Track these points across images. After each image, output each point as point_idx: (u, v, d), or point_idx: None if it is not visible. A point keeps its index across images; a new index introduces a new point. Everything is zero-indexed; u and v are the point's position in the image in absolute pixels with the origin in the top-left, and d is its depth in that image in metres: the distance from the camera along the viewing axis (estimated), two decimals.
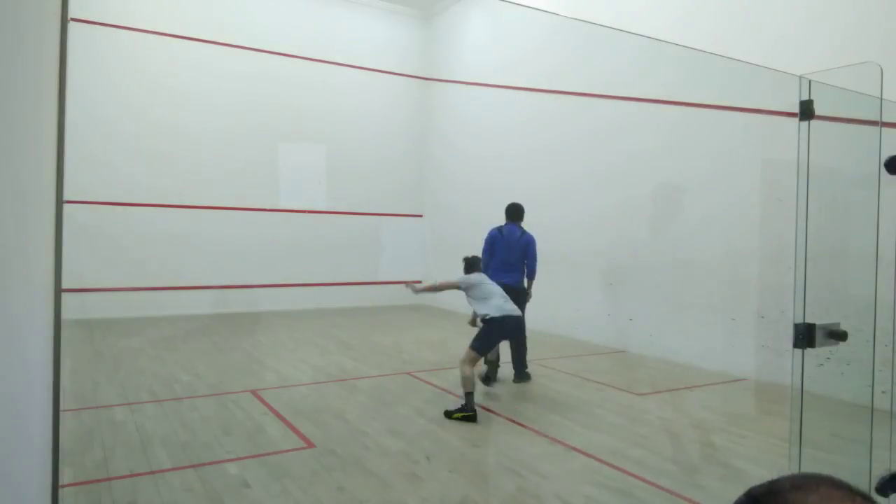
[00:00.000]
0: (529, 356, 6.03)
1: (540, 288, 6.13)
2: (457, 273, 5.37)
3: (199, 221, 10.14)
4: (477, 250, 5.87)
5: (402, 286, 5.52)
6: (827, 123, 2.57)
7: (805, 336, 2.27)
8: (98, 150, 9.28)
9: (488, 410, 5.11)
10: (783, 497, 0.62)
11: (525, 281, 6.00)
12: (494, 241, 5.97)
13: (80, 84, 8.85)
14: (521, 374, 6.01)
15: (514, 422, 4.81)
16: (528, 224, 6.12)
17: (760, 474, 2.11)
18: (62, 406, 1.76)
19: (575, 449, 4.20)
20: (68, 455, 3.76)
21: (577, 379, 6.30)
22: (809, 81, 2.44)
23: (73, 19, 1.66)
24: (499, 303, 5.02)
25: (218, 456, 3.93)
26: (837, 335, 2.32)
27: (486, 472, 3.89)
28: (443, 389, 5.60)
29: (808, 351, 2.32)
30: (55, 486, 1.71)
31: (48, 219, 1.64)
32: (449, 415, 4.78)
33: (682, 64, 6.84)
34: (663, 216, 6.86)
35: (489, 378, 5.77)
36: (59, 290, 1.72)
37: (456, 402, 5.01)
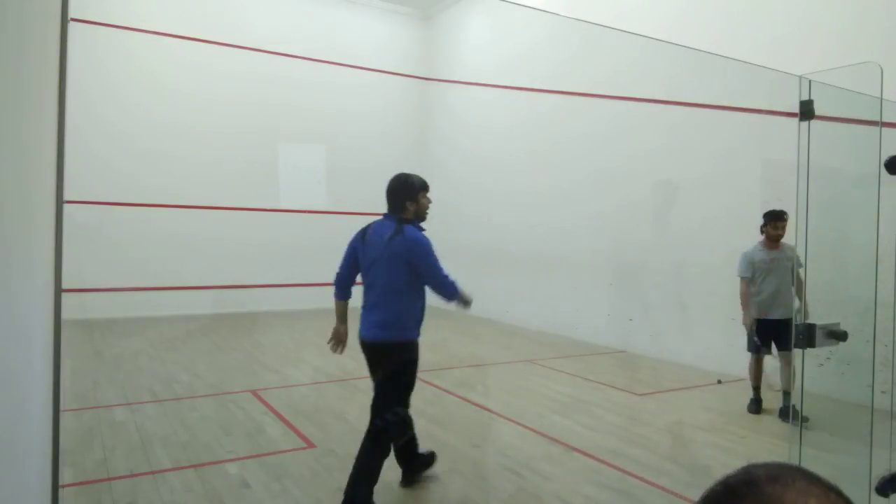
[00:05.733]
0: (530, 356, 5.87)
1: (540, 288, 6.07)
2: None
3: (199, 221, 10.13)
4: (478, 251, 5.74)
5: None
6: (827, 123, 2.57)
7: (805, 336, 2.27)
8: (98, 149, 9.27)
9: (487, 410, 5.11)
10: (760, 489, 0.61)
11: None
12: (356, 250, 3.63)
13: (81, 84, 8.84)
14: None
15: (514, 422, 4.81)
16: (527, 223, 5.94)
17: None
18: (62, 406, 1.76)
19: (575, 449, 4.20)
20: (68, 455, 3.76)
21: (577, 379, 6.30)
22: (809, 81, 2.44)
23: (73, 19, 1.66)
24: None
25: (218, 456, 3.93)
26: (837, 335, 2.32)
27: (486, 472, 3.89)
28: (443, 390, 5.60)
29: (808, 351, 2.32)
30: (55, 486, 1.71)
31: (48, 219, 1.64)
32: None
33: (682, 64, 6.84)
34: (663, 216, 6.85)
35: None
36: (59, 290, 1.72)
37: (454, 402, 5.00)
